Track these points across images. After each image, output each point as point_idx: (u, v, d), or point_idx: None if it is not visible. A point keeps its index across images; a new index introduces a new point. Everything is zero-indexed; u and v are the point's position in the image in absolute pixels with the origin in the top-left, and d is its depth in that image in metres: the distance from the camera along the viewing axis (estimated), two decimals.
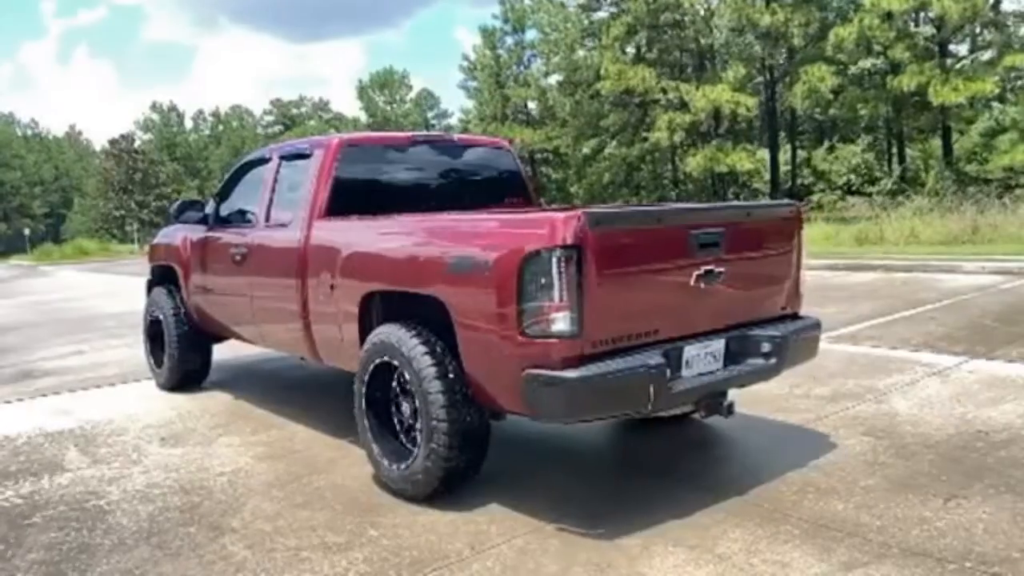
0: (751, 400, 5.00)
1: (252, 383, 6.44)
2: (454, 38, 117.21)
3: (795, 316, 4.12)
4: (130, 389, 6.40)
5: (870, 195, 25.28)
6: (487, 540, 3.14)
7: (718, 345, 3.62)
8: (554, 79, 40.44)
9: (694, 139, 29.11)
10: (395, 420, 3.81)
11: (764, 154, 29.84)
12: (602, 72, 28.74)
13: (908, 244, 15.71)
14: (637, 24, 28.94)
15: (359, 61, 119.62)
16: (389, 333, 3.73)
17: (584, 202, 35.30)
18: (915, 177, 27.31)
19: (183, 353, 6.13)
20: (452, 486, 3.57)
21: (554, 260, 3.06)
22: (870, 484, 3.53)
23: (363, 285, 4.03)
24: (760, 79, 29.76)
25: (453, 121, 64.93)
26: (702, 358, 3.56)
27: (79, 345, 8.95)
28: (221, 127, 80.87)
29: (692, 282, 3.47)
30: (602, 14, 32.41)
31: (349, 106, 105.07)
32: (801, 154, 32.52)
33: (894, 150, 30.80)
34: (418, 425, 3.55)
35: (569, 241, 3.06)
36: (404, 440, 3.73)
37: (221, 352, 7.52)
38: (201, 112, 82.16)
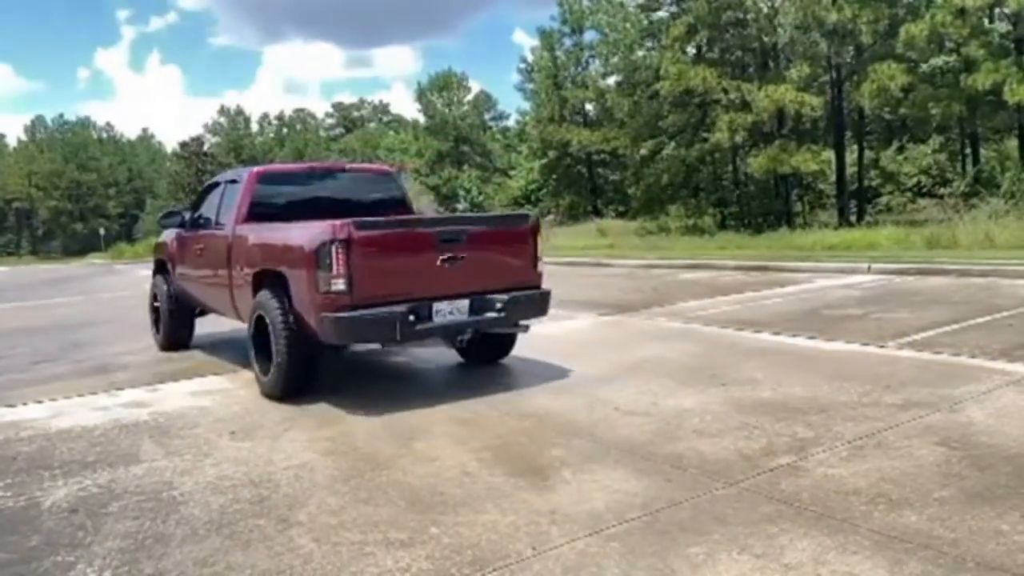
0: (817, 406, 4.89)
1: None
2: (512, 41, 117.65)
3: (534, 287, 6.24)
4: (201, 384, 6.62)
5: (942, 197, 24.37)
6: (548, 541, 3.14)
7: (463, 303, 5.72)
8: (612, 80, 40.13)
9: (756, 140, 28.41)
10: (268, 350, 5.82)
11: (830, 155, 29.02)
12: (662, 72, 28.34)
13: (983, 248, 15.06)
14: (698, 24, 28.42)
15: (418, 65, 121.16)
16: (261, 296, 5.98)
17: (641, 204, 34.95)
18: (990, 179, 26.16)
19: (172, 323, 8.48)
20: (293, 390, 5.78)
21: (333, 248, 5.20)
22: (944, 496, 3.42)
23: (255, 266, 6.26)
24: (826, 78, 28.89)
25: (510, 123, 65.08)
26: (449, 311, 5.66)
27: (152, 340, 9.27)
28: (285, 130, 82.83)
29: (438, 264, 5.60)
30: (662, 14, 31.98)
31: (408, 108, 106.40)
32: (869, 155, 31.47)
33: (967, 151, 29.53)
34: (274, 352, 5.71)
35: (341, 237, 5.20)
36: (271, 362, 5.79)
37: None
38: (266, 115, 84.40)
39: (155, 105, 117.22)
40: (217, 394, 6.19)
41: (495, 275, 5.99)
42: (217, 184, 7.85)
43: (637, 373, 6.20)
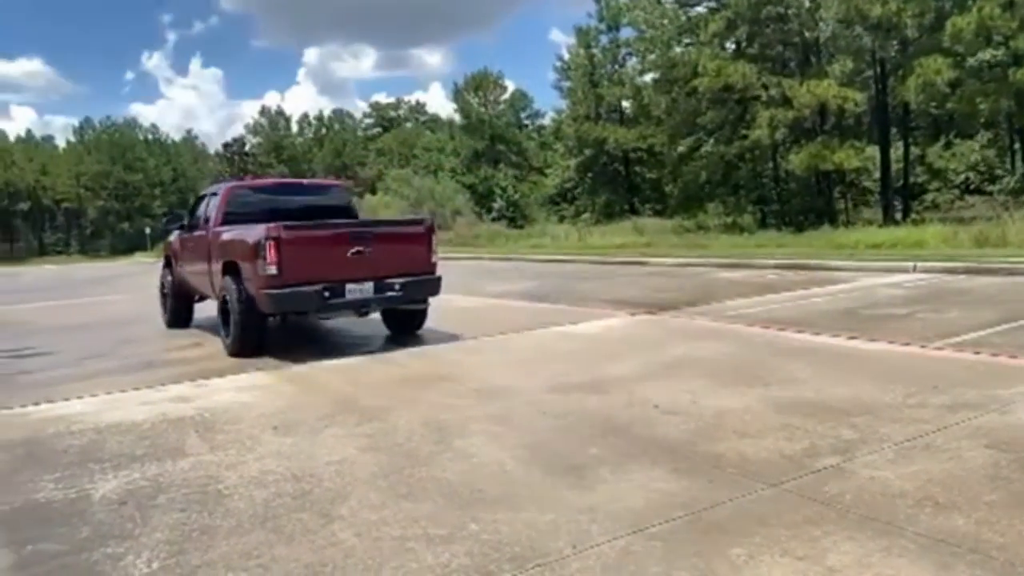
0: (862, 408, 4.81)
1: (357, 378, 6.67)
2: (548, 39, 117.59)
3: (428, 273, 8.10)
4: (244, 379, 6.74)
5: (990, 194, 23.75)
6: (588, 539, 3.14)
7: (369, 285, 7.69)
8: (649, 77, 39.76)
9: (797, 136, 27.98)
10: (229, 320, 7.89)
11: (874, 151, 28.43)
12: (700, 69, 28.01)
13: None
14: (738, 19, 28.05)
15: (453, 64, 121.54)
16: (225, 281, 8.01)
17: (679, 202, 34.64)
18: None
19: (175, 306, 10.50)
20: (247, 348, 7.74)
21: (267, 243, 7.18)
22: (993, 499, 3.33)
23: (223, 257, 8.24)
24: (869, 73, 28.32)
25: (546, 121, 64.92)
26: (358, 290, 7.63)
27: (196, 337, 9.48)
28: (324, 130, 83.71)
29: (349, 255, 7.56)
30: (700, 9, 31.66)
31: (444, 107, 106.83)
32: (914, 151, 30.76)
33: (1016, 146, 28.74)
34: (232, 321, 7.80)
35: (273, 236, 7.19)
36: (231, 328, 7.86)
37: (331, 349, 7.81)
38: (306, 116, 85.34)
39: (198, 106, 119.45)
40: (260, 390, 6.30)
41: (395, 264, 7.88)
42: (204, 196, 9.99)
43: (675, 372, 6.16)
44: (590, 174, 48.63)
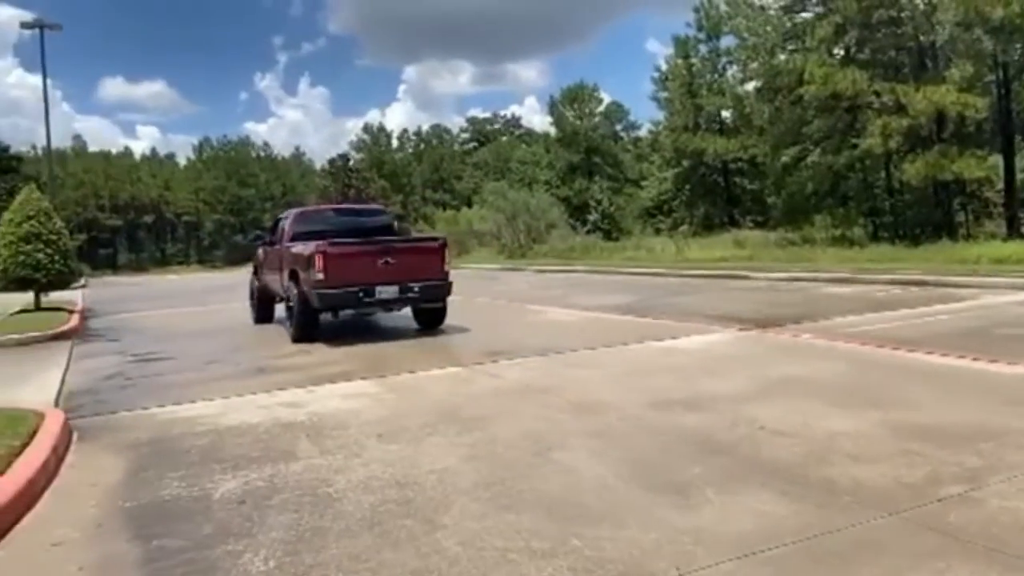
0: (988, 433, 4.50)
1: (457, 388, 6.78)
2: (644, 50, 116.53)
3: (442, 279, 10.19)
4: (350, 387, 6.97)
5: None
6: (693, 561, 3.07)
7: (394, 287, 9.81)
8: (751, 86, 38.72)
9: (912, 145, 26.54)
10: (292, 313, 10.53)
11: (997, 160, 26.60)
12: (806, 76, 27.04)
13: None
14: (847, 23, 26.98)
15: (548, 77, 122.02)
16: (289, 284, 10.47)
17: (783, 214, 33.48)
18: None
19: (260, 306, 13.01)
20: (305, 336, 9.98)
21: (317, 255, 9.53)
22: None
23: (289, 266, 10.57)
24: (991, 77, 26.60)
25: (642, 132, 64.31)
26: (386, 291, 9.80)
27: (305, 344, 9.87)
28: (422, 145, 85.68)
29: (379, 264, 9.77)
30: (806, 15, 30.63)
31: (539, 121, 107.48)
32: None
33: None
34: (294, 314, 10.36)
35: (322, 250, 9.57)
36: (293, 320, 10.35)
37: (434, 361, 7.93)
38: (405, 131, 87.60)
39: (305, 124, 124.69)
40: (366, 397, 6.49)
41: (415, 272, 9.96)
42: (280, 218, 12.67)
43: (782, 391, 5.95)
44: (688, 185, 47.80)
